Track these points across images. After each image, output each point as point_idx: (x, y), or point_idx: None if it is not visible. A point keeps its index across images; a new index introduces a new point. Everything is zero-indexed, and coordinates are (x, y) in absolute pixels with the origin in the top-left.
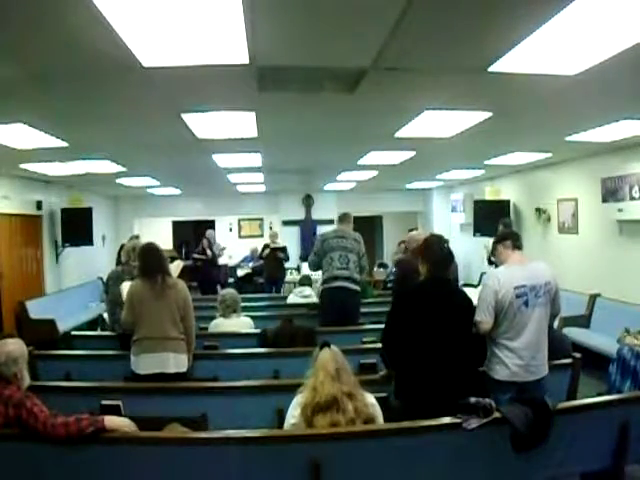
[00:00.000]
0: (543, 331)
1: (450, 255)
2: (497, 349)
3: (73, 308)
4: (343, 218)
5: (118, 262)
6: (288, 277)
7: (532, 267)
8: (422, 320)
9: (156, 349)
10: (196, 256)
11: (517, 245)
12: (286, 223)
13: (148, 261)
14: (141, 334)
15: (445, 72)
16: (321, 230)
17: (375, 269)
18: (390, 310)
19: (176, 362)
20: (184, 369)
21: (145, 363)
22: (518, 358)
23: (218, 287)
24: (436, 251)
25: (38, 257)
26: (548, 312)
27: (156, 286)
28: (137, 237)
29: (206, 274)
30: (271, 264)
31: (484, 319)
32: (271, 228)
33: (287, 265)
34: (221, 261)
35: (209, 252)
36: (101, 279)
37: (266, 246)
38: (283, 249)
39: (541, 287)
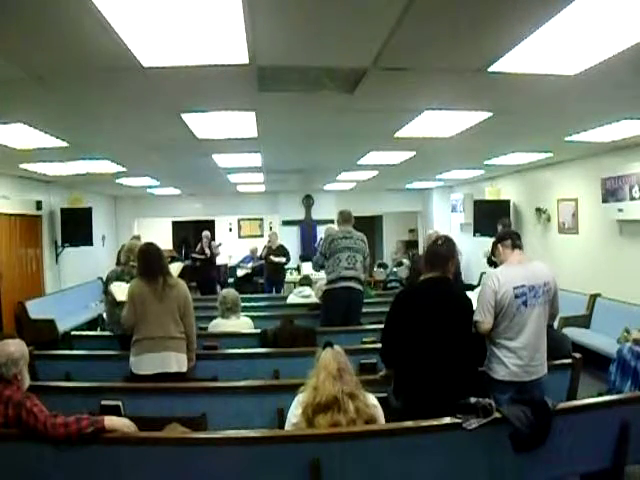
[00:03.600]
0: (542, 331)
1: (445, 252)
2: (496, 349)
3: (73, 308)
4: (348, 218)
5: (118, 262)
6: (288, 277)
7: (531, 267)
8: (421, 320)
9: (158, 349)
10: (195, 256)
11: (517, 244)
12: (286, 223)
13: (149, 262)
14: (143, 334)
15: (445, 72)
16: (321, 230)
17: (375, 269)
18: (389, 310)
19: (178, 361)
20: (185, 369)
21: (147, 363)
22: (517, 358)
23: (218, 287)
24: (430, 247)
25: (38, 257)
26: (547, 312)
27: (158, 286)
28: (138, 237)
29: (205, 274)
30: (271, 266)
31: (484, 319)
32: (271, 228)
33: (287, 265)
34: (220, 260)
35: (207, 251)
36: (101, 279)
37: (264, 247)
38: (279, 252)
39: (540, 287)
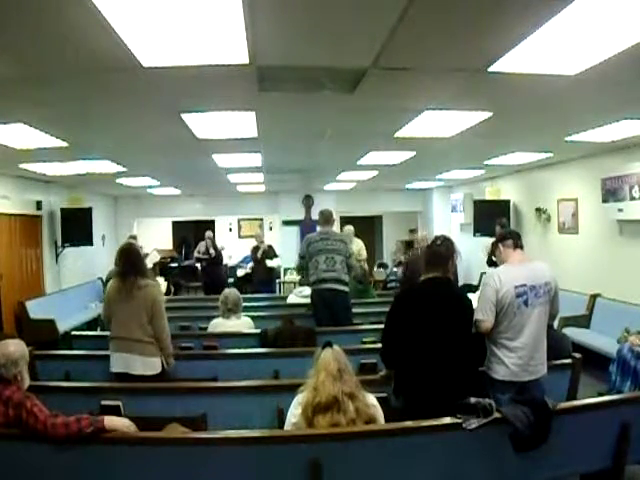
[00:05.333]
0: (542, 331)
1: (445, 252)
2: (496, 348)
3: (73, 308)
4: (328, 219)
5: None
6: (288, 277)
7: (532, 267)
8: (421, 320)
9: (123, 349)
10: (199, 256)
11: (518, 244)
12: (286, 223)
13: (125, 261)
14: (112, 333)
15: (445, 72)
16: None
17: (375, 269)
18: (389, 310)
19: (143, 364)
20: (154, 372)
21: (115, 362)
22: (517, 358)
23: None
24: (429, 248)
25: (38, 257)
26: (547, 312)
27: (126, 287)
28: (134, 237)
29: (212, 274)
30: (260, 267)
31: (485, 318)
32: (271, 229)
33: (287, 265)
34: None
35: (212, 251)
36: (101, 279)
37: (257, 248)
38: (271, 253)
39: (541, 287)
